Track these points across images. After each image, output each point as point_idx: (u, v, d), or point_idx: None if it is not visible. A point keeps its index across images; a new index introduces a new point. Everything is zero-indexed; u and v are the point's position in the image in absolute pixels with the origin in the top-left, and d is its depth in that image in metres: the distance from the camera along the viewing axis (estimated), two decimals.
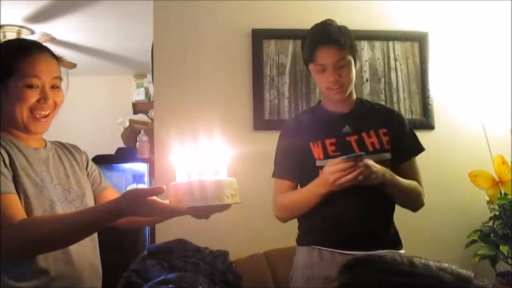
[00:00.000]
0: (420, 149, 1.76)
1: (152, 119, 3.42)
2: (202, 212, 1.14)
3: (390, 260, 0.60)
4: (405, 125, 1.74)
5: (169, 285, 1.91)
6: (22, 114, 1.21)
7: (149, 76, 4.89)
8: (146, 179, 3.14)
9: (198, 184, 1.07)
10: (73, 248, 1.20)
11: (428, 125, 2.66)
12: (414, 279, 0.56)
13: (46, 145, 1.33)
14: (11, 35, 3.77)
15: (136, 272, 2.03)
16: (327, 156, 1.62)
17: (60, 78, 1.28)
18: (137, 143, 3.08)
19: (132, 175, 3.17)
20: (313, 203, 1.59)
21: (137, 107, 4.45)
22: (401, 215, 2.53)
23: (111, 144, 3.38)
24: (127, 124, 3.42)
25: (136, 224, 1.47)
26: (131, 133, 3.24)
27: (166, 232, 2.39)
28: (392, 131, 1.67)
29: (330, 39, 1.57)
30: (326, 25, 1.63)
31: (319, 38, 1.60)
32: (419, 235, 2.34)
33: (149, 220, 1.35)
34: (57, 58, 1.30)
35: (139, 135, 3.11)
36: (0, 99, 1.24)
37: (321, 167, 1.59)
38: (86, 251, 1.25)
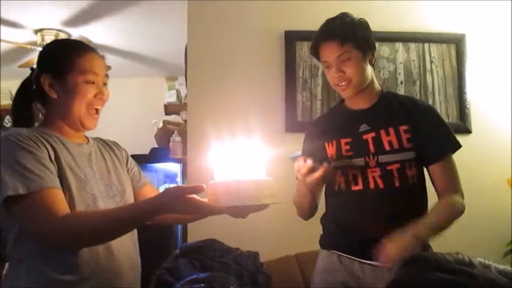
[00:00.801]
0: (454, 146, 1.57)
1: (184, 121, 3.47)
2: (240, 211, 1.15)
3: (448, 258, 0.61)
4: (434, 118, 1.59)
5: (201, 284, 1.94)
6: (80, 109, 1.26)
7: (180, 79, 4.97)
8: (178, 179, 3.18)
9: (236, 183, 1.08)
10: (114, 244, 1.22)
11: (464, 129, 2.60)
12: (470, 279, 0.56)
13: (88, 141, 1.37)
14: (49, 38, 3.90)
15: (168, 270, 2.08)
16: (340, 157, 1.58)
17: (107, 76, 1.33)
18: (171, 143, 3.13)
19: (165, 175, 3.22)
20: (302, 201, 1.59)
21: (168, 109, 4.52)
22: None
23: (144, 144, 3.44)
24: (161, 124, 3.48)
25: (174, 221, 1.49)
26: (164, 134, 3.29)
27: (198, 231, 2.43)
28: (416, 127, 1.54)
29: (330, 35, 1.54)
30: (330, 21, 1.59)
31: (320, 35, 1.58)
32: (455, 243, 2.26)
33: (187, 217, 1.37)
34: (103, 57, 1.35)
35: (173, 135, 3.15)
36: (56, 94, 1.28)
37: (337, 168, 1.58)
38: (126, 247, 1.28)
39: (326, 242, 1.67)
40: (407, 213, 1.51)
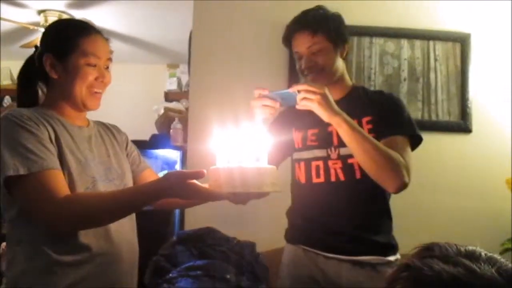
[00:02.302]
0: (405, 130, 1.50)
1: (185, 108, 3.46)
2: (241, 198, 1.16)
3: (459, 250, 0.65)
4: (393, 106, 1.56)
5: (198, 272, 1.94)
6: (81, 90, 1.26)
7: (182, 66, 4.96)
8: (177, 166, 3.18)
9: (239, 170, 1.08)
10: (112, 226, 1.22)
11: (465, 128, 2.61)
12: (469, 274, 0.59)
13: (89, 124, 1.37)
14: (52, 20, 3.88)
15: (165, 257, 2.08)
16: (305, 146, 1.59)
17: (111, 59, 1.32)
18: (171, 130, 3.12)
19: (165, 161, 3.22)
20: None
21: (169, 96, 4.51)
22: (434, 219, 2.51)
23: (144, 130, 3.43)
24: (162, 111, 3.47)
25: (174, 205, 1.50)
26: (165, 121, 3.28)
27: (195, 219, 2.43)
28: (377, 116, 1.53)
29: (302, 26, 1.54)
30: (303, 12, 1.59)
31: (293, 25, 1.59)
32: (452, 240, 2.30)
33: (186, 202, 1.37)
34: (108, 40, 1.34)
35: (173, 122, 3.14)
36: (57, 75, 1.27)
37: (297, 160, 1.60)
38: (125, 230, 1.28)
39: (291, 235, 1.68)
40: (369, 205, 1.54)
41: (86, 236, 1.18)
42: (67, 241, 1.16)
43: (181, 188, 1.09)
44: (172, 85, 4.93)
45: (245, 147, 1.12)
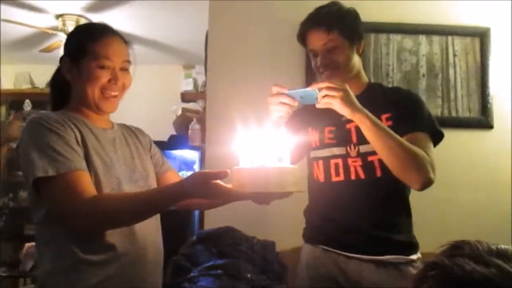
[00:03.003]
0: (425, 127, 1.48)
1: (203, 108, 3.47)
2: (264, 198, 1.15)
3: (490, 248, 0.61)
4: (411, 102, 1.54)
5: (218, 271, 1.95)
6: (93, 93, 1.27)
7: (197, 67, 4.99)
8: (196, 166, 3.20)
9: (262, 170, 1.08)
10: (137, 226, 1.24)
11: (486, 124, 2.57)
12: (501, 274, 0.56)
13: (113, 126, 1.39)
14: (70, 24, 3.94)
15: (185, 256, 2.09)
16: (323, 144, 1.57)
17: (129, 62, 1.34)
18: (189, 131, 3.13)
19: (183, 162, 3.23)
20: None
21: (185, 97, 4.54)
22: (454, 217, 2.48)
23: (161, 131, 3.46)
24: (180, 112, 3.49)
25: (197, 206, 1.50)
26: (183, 121, 3.30)
27: (215, 218, 2.44)
28: (396, 113, 1.50)
29: (316, 23, 1.52)
30: (317, 9, 1.57)
31: (307, 22, 1.56)
32: (473, 237, 2.27)
33: (210, 203, 1.37)
34: (127, 43, 1.35)
35: (191, 123, 3.16)
36: (73, 78, 1.30)
37: (315, 158, 1.58)
38: (149, 230, 1.29)
39: (309, 235, 1.65)
40: (390, 204, 1.52)
41: (112, 236, 1.19)
42: (93, 241, 1.18)
43: (204, 189, 1.09)
44: (188, 86, 4.96)
45: (268, 147, 1.11)
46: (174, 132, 3.43)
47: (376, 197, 1.51)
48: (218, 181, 1.09)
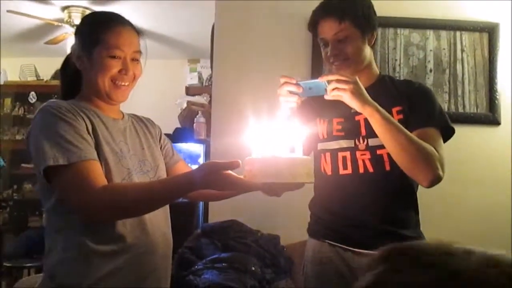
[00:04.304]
0: (437, 122, 1.45)
1: (208, 102, 3.47)
2: (275, 189, 1.14)
3: (429, 248, 0.55)
4: (422, 96, 1.50)
5: (223, 264, 1.95)
6: (104, 83, 1.26)
7: (202, 61, 4.98)
8: (201, 160, 3.19)
9: (274, 160, 1.06)
10: (147, 217, 1.23)
11: (493, 121, 2.55)
12: (448, 273, 0.49)
13: (123, 116, 1.38)
14: (76, 16, 3.93)
15: (190, 249, 2.10)
16: (331, 136, 1.54)
17: (140, 52, 1.32)
18: (195, 124, 3.12)
19: (189, 155, 3.23)
20: None
21: (190, 91, 4.52)
22: (461, 213, 2.47)
23: (166, 124, 3.46)
24: (185, 105, 3.48)
25: (208, 197, 1.48)
26: (188, 114, 3.29)
27: (219, 212, 2.44)
28: (407, 107, 1.47)
29: (328, 12, 1.47)
30: None
31: (318, 11, 1.52)
32: (479, 235, 2.26)
33: (222, 194, 1.34)
34: (139, 33, 1.34)
35: (197, 116, 3.15)
36: (83, 67, 1.29)
37: (323, 151, 1.55)
38: (159, 221, 1.28)
39: (315, 230, 1.61)
40: (398, 198, 1.49)
41: (122, 227, 1.19)
42: (103, 231, 1.18)
43: (216, 179, 1.08)
44: (193, 80, 4.95)
45: (279, 137, 1.10)
46: (178, 126, 3.43)
47: (384, 192, 1.48)
48: (230, 172, 1.08)
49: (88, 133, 1.19)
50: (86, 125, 1.19)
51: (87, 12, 3.90)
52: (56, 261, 1.18)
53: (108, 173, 1.18)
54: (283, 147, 1.10)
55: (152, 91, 4.65)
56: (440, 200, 2.32)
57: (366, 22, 1.49)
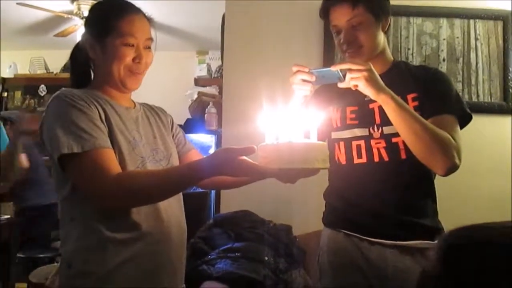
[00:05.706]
0: (453, 109, 1.41)
1: (219, 92, 3.46)
2: (290, 175, 1.13)
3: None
4: (439, 82, 1.46)
5: (236, 253, 1.95)
6: (119, 71, 1.25)
7: (211, 53, 4.98)
8: (211, 150, 3.19)
9: (289, 146, 1.05)
10: (161, 205, 1.23)
11: (507, 110, 2.52)
12: None
13: (135, 105, 1.37)
14: (85, 8, 3.93)
15: (203, 239, 2.10)
16: (345, 125, 1.51)
17: (151, 39, 1.31)
18: (206, 115, 3.12)
19: (200, 146, 3.23)
20: None
21: (199, 83, 4.53)
22: (474, 202, 2.45)
23: (176, 115, 3.46)
24: (195, 96, 3.48)
25: (225, 184, 1.46)
26: (199, 105, 3.28)
27: (231, 202, 2.44)
28: (423, 93, 1.43)
29: None
30: None
31: None
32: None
33: (236, 181, 1.33)
34: (149, 20, 1.33)
35: (208, 107, 3.14)
36: (96, 56, 1.28)
37: (336, 140, 1.52)
38: (174, 210, 1.28)
39: (330, 219, 1.59)
40: (414, 187, 1.46)
41: (137, 215, 1.18)
42: (119, 219, 1.17)
43: (231, 165, 1.06)
44: (202, 72, 4.95)
45: (294, 124, 1.09)
46: (189, 117, 3.42)
47: (400, 180, 1.46)
48: (245, 157, 1.07)
49: (102, 121, 1.18)
50: (99, 113, 1.19)
51: None
52: (73, 249, 1.18)
53: (122, 162, 1.17)
54: (297, 133, 1.09)
55: (160, 83, 4.66)
56: (453, 189, 2.29)
57: (380, 7, 1.46)
